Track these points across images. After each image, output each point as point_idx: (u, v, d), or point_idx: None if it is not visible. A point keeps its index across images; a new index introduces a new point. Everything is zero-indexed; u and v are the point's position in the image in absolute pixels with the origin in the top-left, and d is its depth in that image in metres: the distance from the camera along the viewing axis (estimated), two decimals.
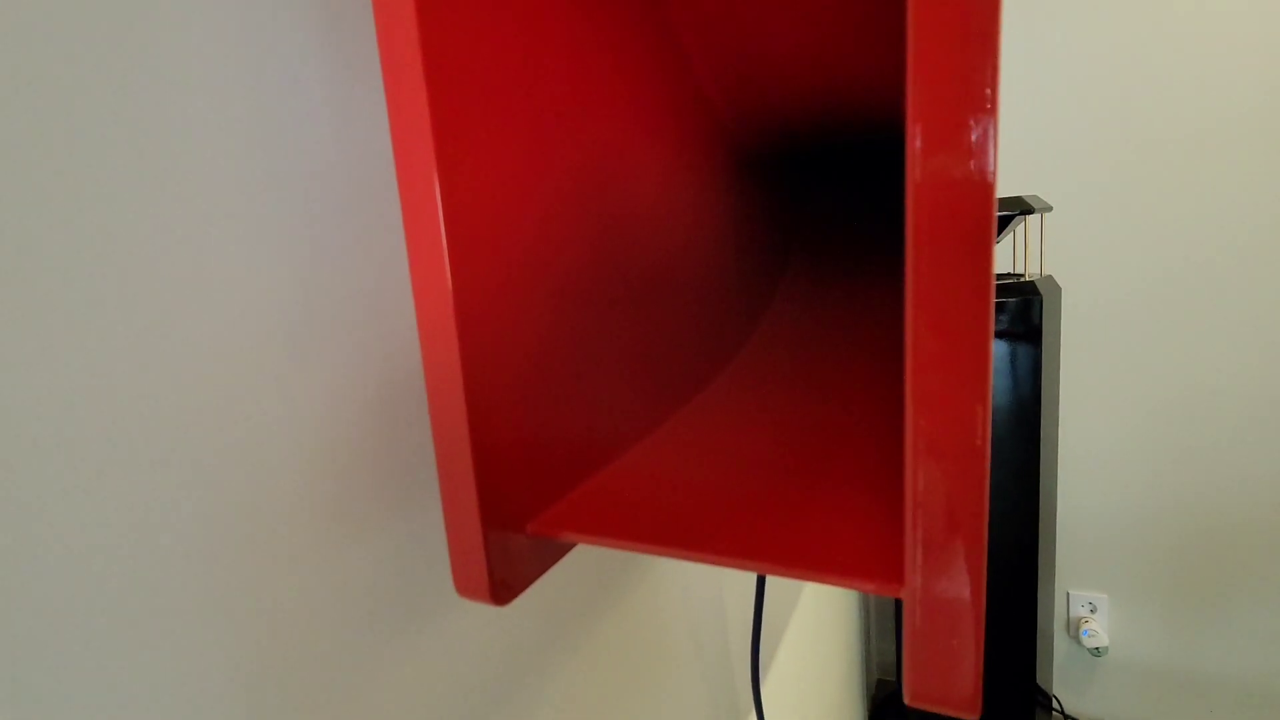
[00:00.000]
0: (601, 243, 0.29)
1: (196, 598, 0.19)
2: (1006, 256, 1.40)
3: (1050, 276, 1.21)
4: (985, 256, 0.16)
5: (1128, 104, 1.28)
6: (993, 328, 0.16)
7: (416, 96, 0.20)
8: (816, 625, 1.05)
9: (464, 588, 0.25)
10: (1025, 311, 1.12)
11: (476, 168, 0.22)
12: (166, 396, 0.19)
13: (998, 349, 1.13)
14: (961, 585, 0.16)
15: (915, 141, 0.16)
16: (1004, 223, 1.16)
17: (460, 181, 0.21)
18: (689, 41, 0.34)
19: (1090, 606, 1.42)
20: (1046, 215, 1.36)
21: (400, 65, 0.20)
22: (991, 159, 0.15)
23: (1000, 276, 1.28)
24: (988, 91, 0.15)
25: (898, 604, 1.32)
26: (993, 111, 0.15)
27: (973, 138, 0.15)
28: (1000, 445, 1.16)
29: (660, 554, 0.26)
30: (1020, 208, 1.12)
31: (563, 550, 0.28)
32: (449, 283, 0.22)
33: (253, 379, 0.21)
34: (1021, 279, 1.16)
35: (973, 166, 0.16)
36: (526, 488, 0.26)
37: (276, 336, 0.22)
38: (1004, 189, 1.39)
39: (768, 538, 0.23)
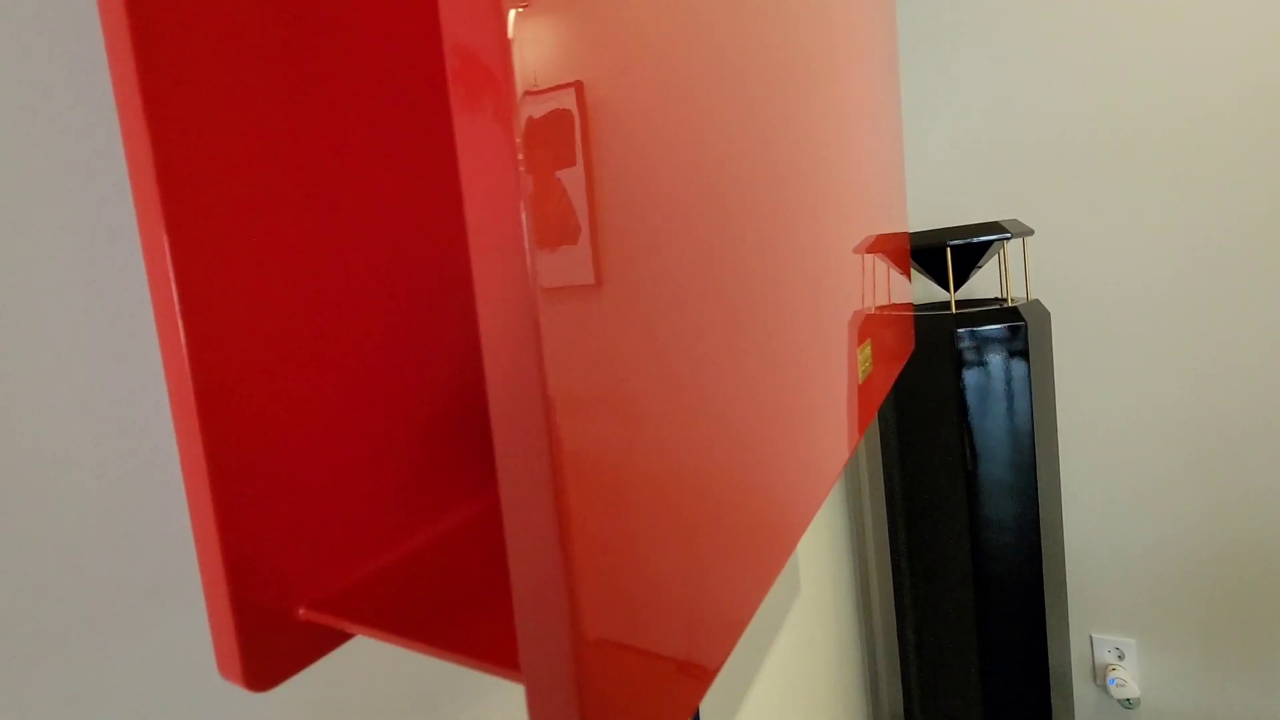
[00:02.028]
0: (397, 331, 0.29)
1: None
2: (992, 282, 1.36)
3: (1037, 301, 1.16)
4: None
5: (1112, 122, 1.25)
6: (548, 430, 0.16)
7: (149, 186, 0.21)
8: (799, 675, 1.00)
9: (224, 669, 0.25)
10: (1010, 338, 1.08)
11: (221, 269, 0.23)
12: None
13: (985, 379, 1.09)
14: (560, 676, 0.16)
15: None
16: (982, 249, 1.13)
17: (201, 274, 0.22)
18: None
19: (1117, 652, 1.31)
20: (1031, 240, 1.32)
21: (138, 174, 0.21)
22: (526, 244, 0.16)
23: (983, 302, 1.24)
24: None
25: (901, 645, 1.25)
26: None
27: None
28: (994, 479, 1.10)
29: (404, 646, 0.26)
30: (996, 233, 1.09)
31: (344, 636, 0.28)
32: (189, 374, 0.23)
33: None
34: (1005, 305, 1.12)
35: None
36: (296, 573, 0.26)
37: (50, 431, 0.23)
38: (988, 213, 1.35)
39: (471, 633, 0.22)
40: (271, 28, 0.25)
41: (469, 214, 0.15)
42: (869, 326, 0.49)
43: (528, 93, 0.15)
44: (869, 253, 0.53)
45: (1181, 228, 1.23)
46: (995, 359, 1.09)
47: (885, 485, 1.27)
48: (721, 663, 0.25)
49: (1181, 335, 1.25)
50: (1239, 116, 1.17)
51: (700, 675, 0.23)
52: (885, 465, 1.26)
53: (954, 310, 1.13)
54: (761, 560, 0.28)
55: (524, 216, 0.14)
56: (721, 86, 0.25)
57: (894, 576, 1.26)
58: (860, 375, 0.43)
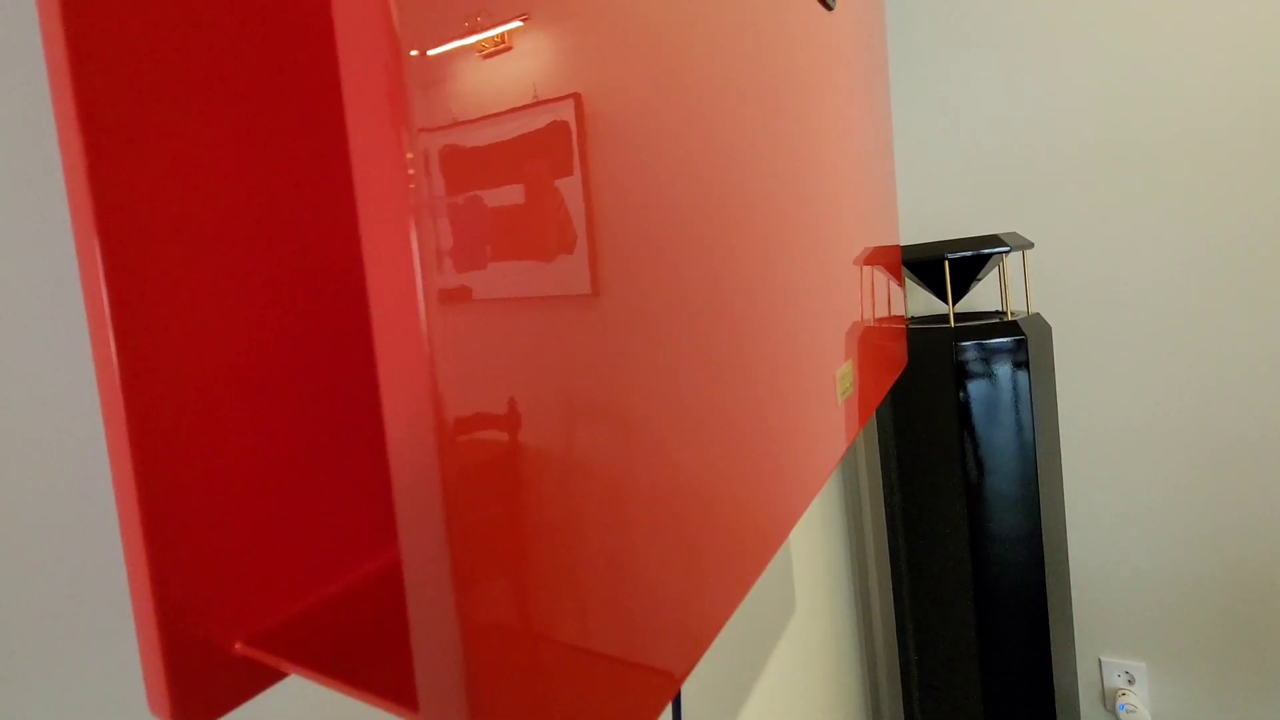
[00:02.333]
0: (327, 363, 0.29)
1: None
2: (992, 296, 1.34)
3: (1038, 315, 1.15)
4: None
5: (1113, 133, 1.23)
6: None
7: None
8: (796, 695, 0.98)
9: (154, 705, 0.24)
10: (1010, 351, 1.06)
11: (161, 318, 0.23)
12: None
13: (985, 393, 1.07)
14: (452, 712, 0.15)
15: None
16: (980, 262, 1.12)
17: (143, 314, 0.22)
18: None
19: (1127, 676, 1.28)
20: (1033, 252, 1.30)
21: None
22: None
23: (984, 315, 1.22)
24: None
25: (903, 667, 1.22)
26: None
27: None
28: (995, 495, 1.08)
29: (335, 689, 0.25)
30: (994, 246, 1.07)
31: (279, 674, 0.27)
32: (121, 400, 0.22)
33: None
34: (1004, 319, 1.10)
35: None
36: (232, 607, 0.25)
37: None
38: (990, 225, 1.34)
39: (378, 670, 0.22)
40: (218, 45, 0.24)
41: (366, 264, 0.14)
42: (851, 344, 0.48)
43: (422, 129, 0.14)
44: (854, 268, 0.52)
45: (1185, 239, 1.21)
46: (995, 373, 1.07)
47: (885, 502, 1.25)
48: (670, 688, 0.24)
49: (1188, 348, 1.22)
50: (1242, 125, 1.16)
51: (653, 695, 0.22)
52: (885, 482, 1.23)
53: (953, 324, 1.11)
54: (717, 578, 0.27)
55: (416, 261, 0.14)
56: (667, 104, 0.25)
57: (895, 594, 1.24)
58: (839, 396, 0.42)
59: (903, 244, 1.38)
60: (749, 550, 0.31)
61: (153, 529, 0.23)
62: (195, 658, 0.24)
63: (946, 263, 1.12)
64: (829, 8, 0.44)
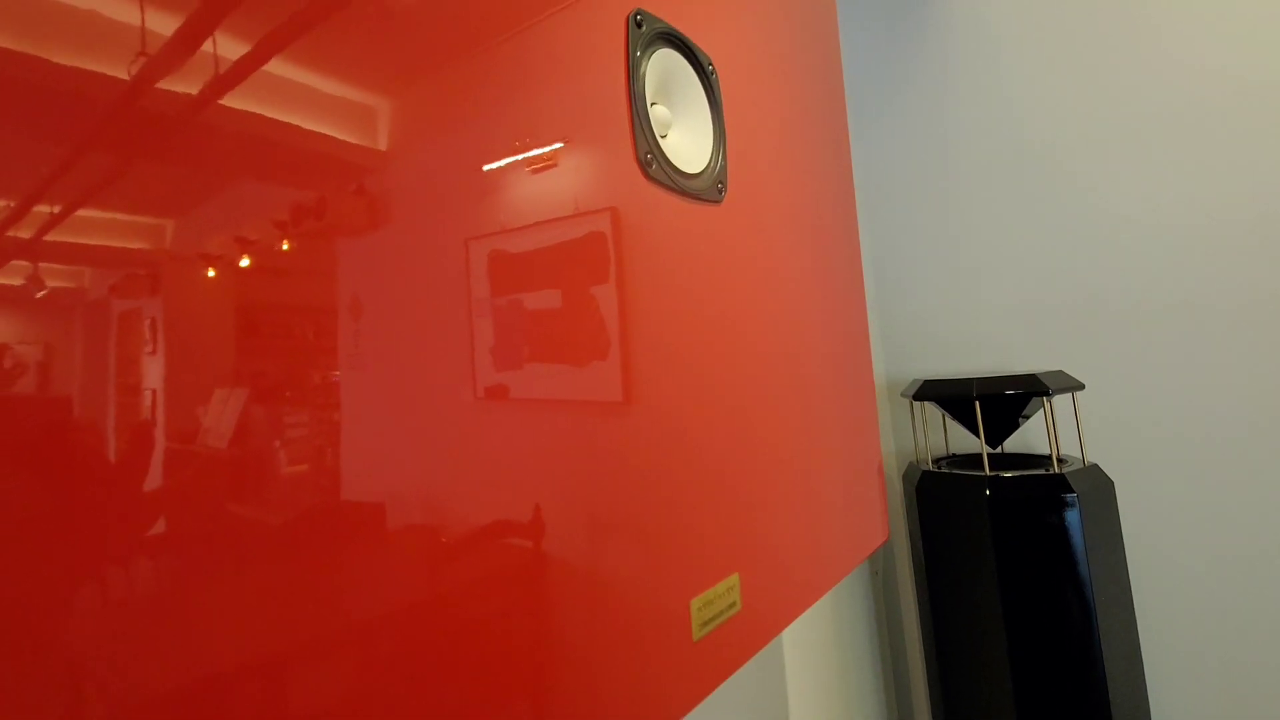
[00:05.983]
0: None
1: None
2: (1041, 445, 1.18)
3: (1096, 466, 0.99)
4: None
5: (1186, 268, 1.10)
6: None
7: None
8: None
9: None
10: (1055, 506, 0.92)
11: None
12: None
13: (1027, 554, 0.92)
14: None
15: None
16: (1020, 403, 1.00)
17: None
18: None
19: None
20: (1099, 397, 1.15)
21: None
22: None
23: (1030, 459, 1.07)
24: None
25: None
26: None
27: None
28: (1049, 676, 0.90)
29: None
30: (1029, 387, 0.96)
31: None
32: None
33: None
34: (1049, 472, 0.97)
35: None
36: None
37: None
38: (1050, 363, 1.21)
39: None
40: None
41: None
42: (752, 547, 0.43)
43: None
44: (772, 445, 0.47)
45: (1275, 386, 1.02)
46: (1039, 531, 0.92)
47: (926, 673, 1.08)
48: None
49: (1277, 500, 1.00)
50: None
51: None
52: (925, 648, 1.07)
53: (986, 470, 0.99)
54: None
55: None
56: None
57: None
58: (696, 630, 0.36)
59: (942, 377, 1.28)
60: None
61: None
62: None
63: (978, 403, 1.01)
64: (717, 203, 0.43)
